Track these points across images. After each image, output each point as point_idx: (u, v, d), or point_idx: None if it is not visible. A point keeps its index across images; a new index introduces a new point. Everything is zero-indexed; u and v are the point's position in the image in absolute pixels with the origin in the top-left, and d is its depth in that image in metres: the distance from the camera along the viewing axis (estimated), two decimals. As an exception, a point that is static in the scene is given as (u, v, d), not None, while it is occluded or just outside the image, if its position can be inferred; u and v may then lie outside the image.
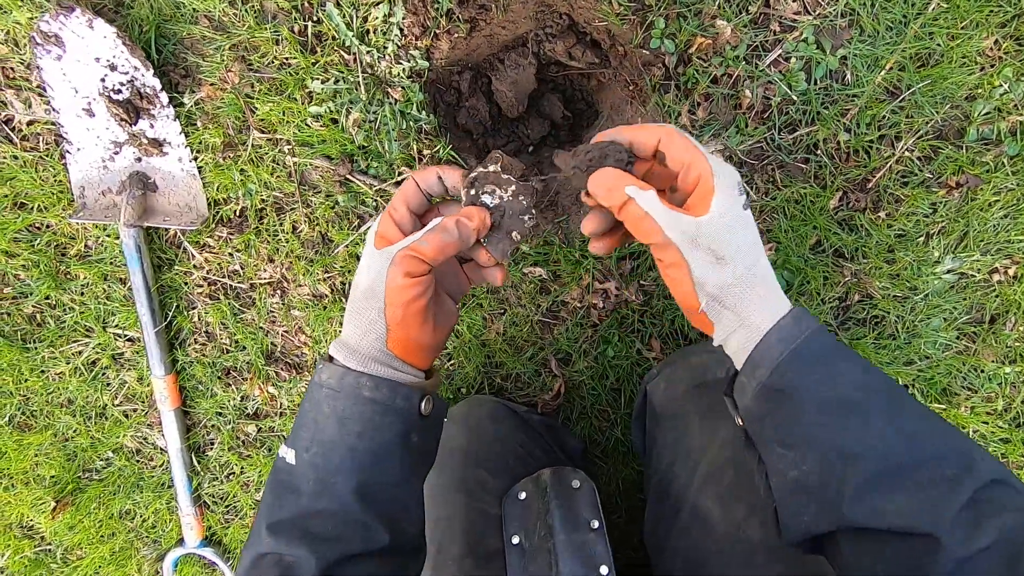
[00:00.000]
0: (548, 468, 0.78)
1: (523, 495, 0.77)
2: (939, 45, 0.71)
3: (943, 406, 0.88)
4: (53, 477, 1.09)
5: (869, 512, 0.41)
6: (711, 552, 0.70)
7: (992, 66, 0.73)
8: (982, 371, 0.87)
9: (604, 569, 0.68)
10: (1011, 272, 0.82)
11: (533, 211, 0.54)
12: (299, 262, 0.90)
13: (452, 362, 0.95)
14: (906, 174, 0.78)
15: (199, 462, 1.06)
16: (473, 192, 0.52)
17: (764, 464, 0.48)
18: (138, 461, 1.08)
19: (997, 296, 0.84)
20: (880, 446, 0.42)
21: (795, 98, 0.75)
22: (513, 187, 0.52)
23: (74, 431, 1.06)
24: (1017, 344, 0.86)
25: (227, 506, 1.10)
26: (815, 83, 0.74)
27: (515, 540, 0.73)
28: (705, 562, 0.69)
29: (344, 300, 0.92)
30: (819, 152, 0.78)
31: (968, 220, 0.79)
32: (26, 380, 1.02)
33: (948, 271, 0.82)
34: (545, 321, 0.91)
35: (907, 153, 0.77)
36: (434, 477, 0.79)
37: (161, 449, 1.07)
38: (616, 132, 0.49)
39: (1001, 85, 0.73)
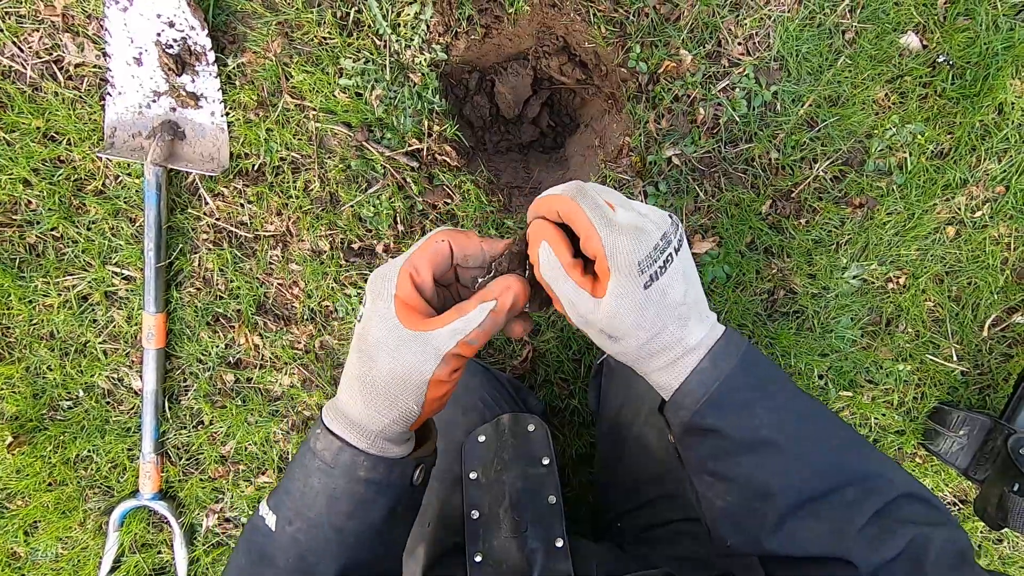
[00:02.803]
0: (507, 414, 0.88)
1: (482, 438, 0.86)
2: (845, 91, 0.94)
3: (850, 394, 1.05)
4: (16, 412, 1.10)
5: (786, 542, 0.45)
6: (649, 476, 0.81)
7: (884, 112, 0.95)
8: (881, 367, 1.05)
9: (552, 499, 0.76)
10: (901, 281, 1.02)
11: None
12: (305, 217, 1.02)
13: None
14: (821, 191, 0.99)
15: (170, 408, 1.11)
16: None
17: (694, 484, 0.51)
18: (107, 403, 1.12)
19: (892, 302, 1.03)
20: (794, 482, 0.45)
21: (737, 119, 0.95)
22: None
23: (48, 366, 1.09)
24: (908, 345, 1.05)
25: (189, 458, 1.14)
26: (753, 109, 0.95)
27: (472, 476, 0.81)
28: (647, 483, 0.81)
29: (342, 259, 1.03)
30: (755, 165, 0.98)
31: (868, 234, 1.00)
32: (11, 309, 1.06)
33: (854, 276, 1.02)
34: (520, 292, 1.04)
35: (822, 173, 0.97)
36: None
37: (134, 392, 1.12)
38: (537, 201, 0.46)
39: (890, 128, 0.95)
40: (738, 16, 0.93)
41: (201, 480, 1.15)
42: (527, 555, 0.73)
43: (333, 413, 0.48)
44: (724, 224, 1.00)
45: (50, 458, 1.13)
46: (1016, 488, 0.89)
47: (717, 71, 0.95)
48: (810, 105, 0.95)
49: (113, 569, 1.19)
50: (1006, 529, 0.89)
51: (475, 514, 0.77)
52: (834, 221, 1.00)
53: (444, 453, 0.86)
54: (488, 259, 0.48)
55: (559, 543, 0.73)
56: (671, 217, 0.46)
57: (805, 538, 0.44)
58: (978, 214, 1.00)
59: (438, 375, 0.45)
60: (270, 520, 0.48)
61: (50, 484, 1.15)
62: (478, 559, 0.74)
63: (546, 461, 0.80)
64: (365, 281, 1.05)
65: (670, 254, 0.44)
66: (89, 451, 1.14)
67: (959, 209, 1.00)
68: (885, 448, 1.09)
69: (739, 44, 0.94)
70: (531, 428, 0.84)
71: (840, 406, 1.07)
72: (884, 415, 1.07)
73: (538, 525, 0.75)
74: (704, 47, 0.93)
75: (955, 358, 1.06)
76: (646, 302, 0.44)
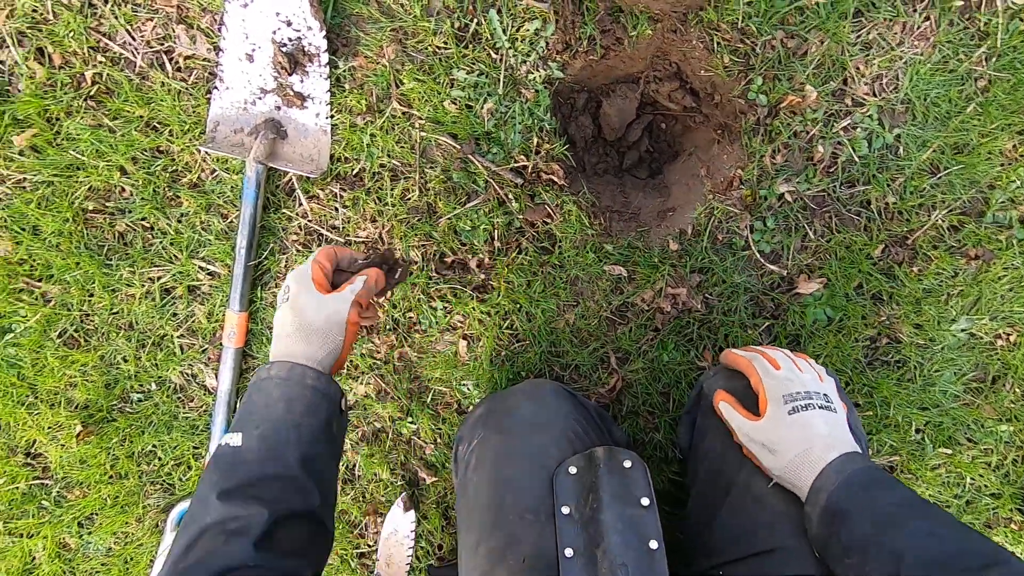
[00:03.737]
0: (601, 447, 0.84)
1: (574, 469, 0.83)
2: (972, 139, 0.91)
3: (948, 451, 1.01)
4: (86, 401, 1.09)
5: None
6: (762, 524, 0.78)
7: (1011, 164, 0.93)
8: (983, 425, 1.02)
9: (654, 544, 0.73)
10: (1012, 339, 0.99)
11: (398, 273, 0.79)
12: (400, 225, 1.01)
13: (519, 344, 1.04)
14: (936, 239, 0.96)
15: (241, 409, 1.09)
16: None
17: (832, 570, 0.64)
18: (179, 399, 1.11)
19: (999, 359, 1.00)
20: (920, 545, 0.55)
21: (856, 160, 0.93)
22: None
23: (123, 357, 1.08)
24: (1012, 405, 1.01)
25: (255, 460, 1.12)
26: (874, 151, 0.93)
27: (565, 510, 0.78)
28: (756, 532, 0.77)
29: (433, 271, 1.02)
30: (870, 208, 0.95)
31: (981, 288, 0.97)
32: (92, 296, 1.06)
33: (962, 330, 0.99)
34: (612, 319, 1.02)
35: (939, 221, 0.95)
36: (501, 443, 0.85)
37: (207, 389, 1.10)
38: (728, 353, 0.81)
39: (1015, 181, 0.92)
40: (868, 55, 0.91)
41: (264, 485, 1.13)
42: None
43: (281, 357, 0.67)
44: (832, 266, 0.97)
45: (115, 451, 1.12)
46: None
47: (840, 109, 0.93)
48: (934, 151, 0.93)
49: (164, 568, 1.16)
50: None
51: (569, 552, 0.74)
52: (947, 271, 0.97)
53: (535, 483, 0.83)
54: (358, 261, 0.77)
55: None
56: (825, 391, 0.71)
57: None
58: (1100, 275, 0.97)
59: (351, 316, 0.69)
60: (235, 440, 0.61)
61: (111, 477, 1.14)
62: None
63: (646, 502, 0.77)
64: (455, 295, 1.03)
65: (814, 404, 0.69)
66: (155, 446, 1.13)
67: (1081, 268, 0.97)
68: (979, 511, 1.05)
69: (865, 84, 0.92)
70: (628, 464, 0.81)
71: (936, 463, 1.03)
72: (981, 476, 1.03)
73: (638, 571, 0.72)
74: (829, 84, 0.92)
75: (1062, 422, 1.02)
76: (791, 424, 0.67)
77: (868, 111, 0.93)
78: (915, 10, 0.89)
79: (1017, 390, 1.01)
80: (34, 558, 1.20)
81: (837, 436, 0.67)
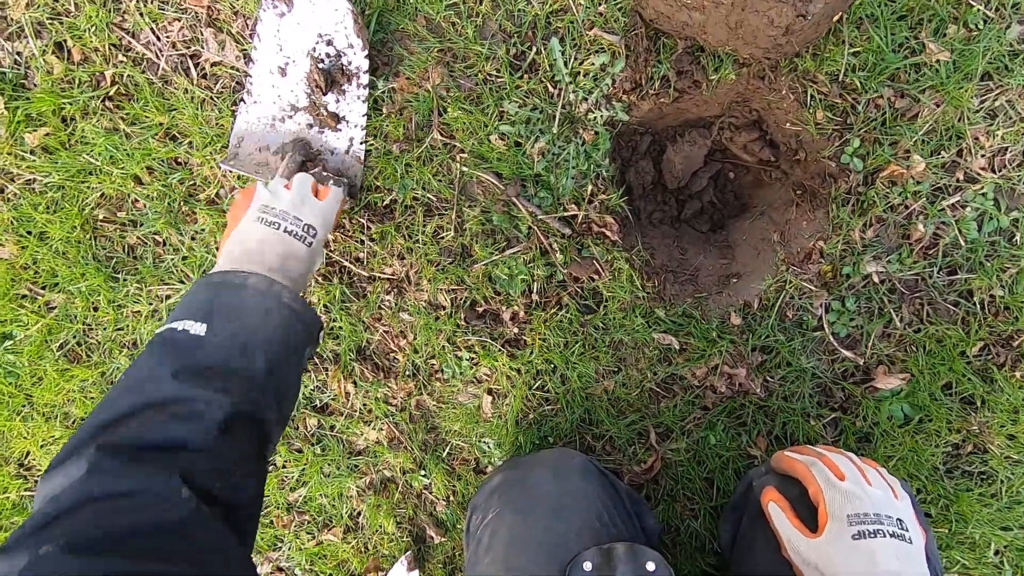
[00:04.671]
0: (622, 543, 0.75)
1: (589, 566, 0.74)
2: (1107, 232, 0.78)
3: (1030, 581, 0.89)
4: (83, 420, 1.03)
5: None
6: None
7: None
8: (1073, 555, 0.89)
9: None
10: (1123, 463, 0.85)
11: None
12: (429, 267, 0.91)
13: (549, 407, 0.94)
14: (1047, 342, 0.83)
15: (243, 443, 1.01)
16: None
17: None
18: (179, 425, 1.03)
19: (1103, 483, 0.87)
20: None
21: (962, 244, 0.80)
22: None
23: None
24: (1112, 536, 0.88)
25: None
26: (984, 236, 0.80)
27: None
28: None
29: (462, 319, 0.93)
30: (972, 299, 0.83)
31: (1093, 402, 0.83)
32: (96, 310, 0.99)
33: (1063, 446, 0.85)
34: (656, 391, 0.92)
35: (1053, 322, 0.82)
36: (516, 524, 0.77)
37: (209, 419, 1.03)
38: (781, 456, 0.71)
39: None
40: (991, 125, 0.78)
41: (263, 525, 1.06)
42: None
43: (249, 268, 0.66)
44: (919, 360, 0.85)
45: (109, 471, 1.06)
46: None
47: (949, 184, 0.80)
48: (1057, 242, 0.80)
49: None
50: None
51: None
52: (1055, 379, 0.84)
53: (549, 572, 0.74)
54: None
55: None
56: (899, 515, 0.60)
57: None
58: None
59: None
60: (197, 328, 0.57)
61: (104, 498, 1.08)
62: None
63: None
64: (483, 346, 0.94)
65: (884, 531, 0.58)
66: (150, 472, 1.06)
67: None
68: (1058, 649, 0.92)
69: (984, 157, 0.79)
70: (651, 567, 0.73)
71: (1014, 591, 0.91)
72: (1064, 611, 0.91)
73: None
74: (941, 155, 0.79)
75: None
76: (854, 551, 0.57)
77: (983, 189, 0.80)
78: (1056, 76, 0.76)
79: (1121, 521, 0.88)
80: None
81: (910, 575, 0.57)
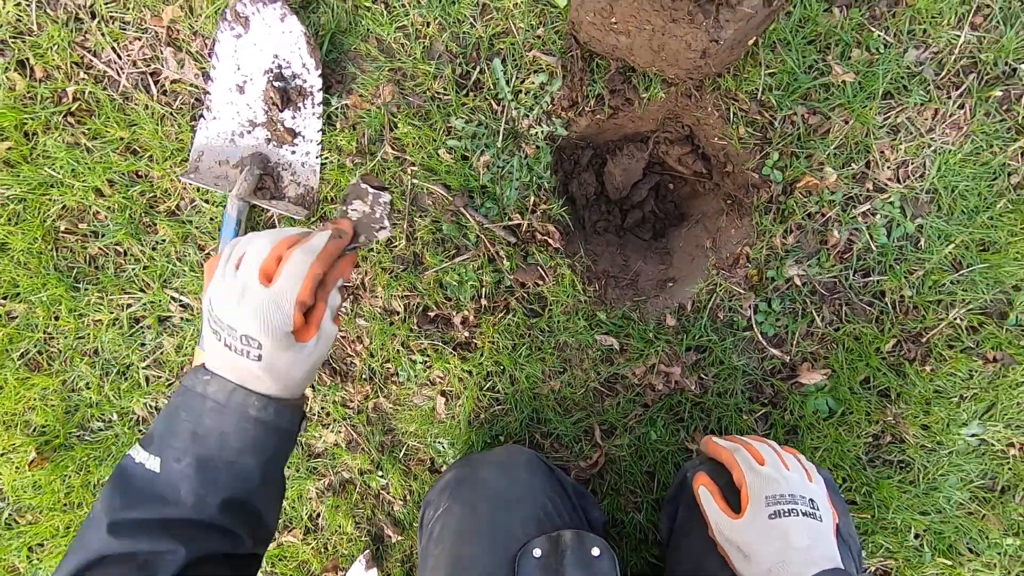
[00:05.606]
0: (569, 530, 0.80)
1: (538, 552, 0.78)
2: (1000, 237, 0.86)
3: (948, 562, 0.96)
4: (44, 427, 1.05)
5: None
6: None
7: (1040, 266, 0.87)
8: (987, 536, 0.96)
9: None
10: (1026, 449, 0.93)
11: (386, 223, 0.62)
12: (383, 274, 0.96)
13: (499, 407, 0.99)
14: (953, 339, 0.91)
15: (204, 448, 1.05)
16: (343, 208, 0.63)
17: None
18: (140, 431, 1.06)
19: (1010, 469, 0.94)
20: None
21: (873, 248, 0.88)
22: (370, 199, 0.62)
23: (87, 383, 1.04)
24: (1020, 519, 0.95)
25: (215, 502, 1.07)
26: (893, 241, 0.88)
27: None
28: None
29: (415, 324, 0.97)
30: (884, 299, 0.90)
31: (998, 393, 0.91)
32: (58, 319, 1.02)
33: (972, 435, 0.93)
34: (600, 390, 0.97)
35: (958, 320, 0.89)
36: (465, 516, 0.81)
37: (170, 424, 1.06)
38: (708, 442, 0.75)
39: (1044, 284, 0.87)
40: (895, 140, 0.86)
41: (222, 528, 1.09)
42: None
43: (216, 369, 0.54)
44: (839, 357, 0.92)
45: (70, 479, 1.08)
46: None
47: (860, 194, 0.88)
48: (957, 246, 0.87)
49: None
50: None
51: None
52: (962, 373, 0.92)
53: (495, 564, 0.78)
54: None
55: None
56: (812, 495, 0.65)
57: None
58: None
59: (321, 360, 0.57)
60: (152, 463, 0.52)
61: (65, 505, 1.10)
62: None
63: None
64: (435, 350, 0.98)
65: (798, 510, 0.63)
66: (112, 478, 1.08)
67: (1105, 382, 0.91)
68: (976, 627, 0.99)
69: (890, 169, 0.86)
70: (596, 553, 0.77)
71: (933, 572, 0.98)
72: (981, 590, 0.98)
73: None
74: (851, 167, 0.86)
75: (1073, 542, 0.96)
76: (770, 529, 0.62)
77: (890, 198, 0.87)
78: (949, 97, 0.84)
79: (1027, 503, 0.96)
80: (-19, 580, 1.16)
81: (819, 551, 0.61)
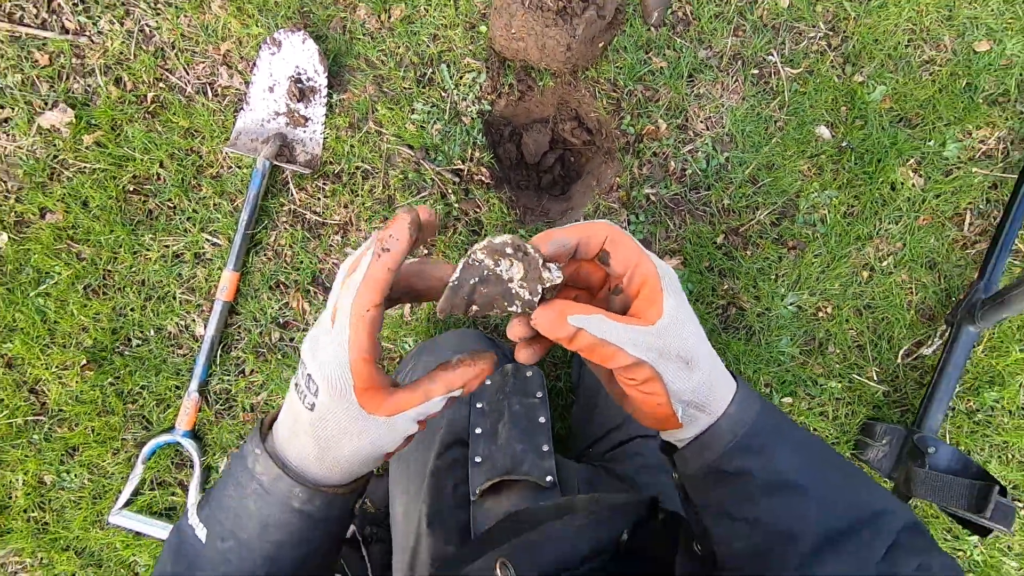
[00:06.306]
0: (510, 363, 1.11)
1: (488, 381, 1.09)
2: (778, 161, 1.31)
3: (790, 400, 1.28)
4: (94, 344, 1.35)
5: None
6: (614, 423, 1.03)
7: (807, 179, 1.32)
8: (816, 382, 1.30)
9: (542, 419, 0.99)
10: (828, 311, 1.31)
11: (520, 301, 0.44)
12: (366, 211, 1.35)
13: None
14: (762, 231, 1.32)
15: (221, 357, 1.35)
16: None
17: (702, 522, 0.52)
18: (169, 346, 1.36)
19: (824, 327, 1.31)
20: (814, 523, 0.47)
21: (699, 173, 1.31)
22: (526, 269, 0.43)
23: (132, 308, 1.36)
24: (837, 365, 1.30)
25: (225, 403, 1.35)
26: (711, 167, 1.32)
27: (478, 406, 1.04)
28: (608, 431, 1.03)
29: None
30: (711, 207, 1.32)
31: (800, 270, 1.31)
32: (117, 257, 1.36)
33: (790, 303, 1.31)
34: (524, 287, 1.34)
35: (762, 219, 1.31)
36: (430, 358, 1.11)
37: (195, 338, 1.37)
38: (563, 232, 0.45)
39: (814, 192, 1.31)
40: (700, 103, 1.33)
41: (230, 424, 1.35)
42: (519, 455, 0.91)
43: (277, 445, 0.48)
44: (688, 250, 1.31)
45: (107, 389, 1.35)
46: (919, 463, 1.09)
47: (685, 138, 1.33)
48: (752, 168, 1.32)
49: (128, 503, 1.34)
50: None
51: (478, 430, 0.98)
52: (773, 256, 1.31)
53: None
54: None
55: (545, 448, 0.93)
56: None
57: None
58: (885, 263, 1.31)
59: (398, 448, 0.47)
60: (200, 532, 0.49)
61: (100, 412, 1.35)
62: (477, 460, 0.93)
63: (539, 395, 1.02)
64: (403, 265, 1.34)
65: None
66: (143, 387, 1.36)
67: (869, 257, 1.31)
68: (822, 455, 1.28)
69: (701, 122, 1.33)
70: (529, 374, 1.07)
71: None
72: (821, 427, 1.29)
73: (529, 436, 0.96)
74: (676, 120, 1.33)
75: (876, 380, 1.30)
76: (697, 322, 0.46)
77: (704, 140, 1.33)
78: (728, 75, 1.33)
79: (839, 352, 1.31)
80: (11, 495, 1.36)
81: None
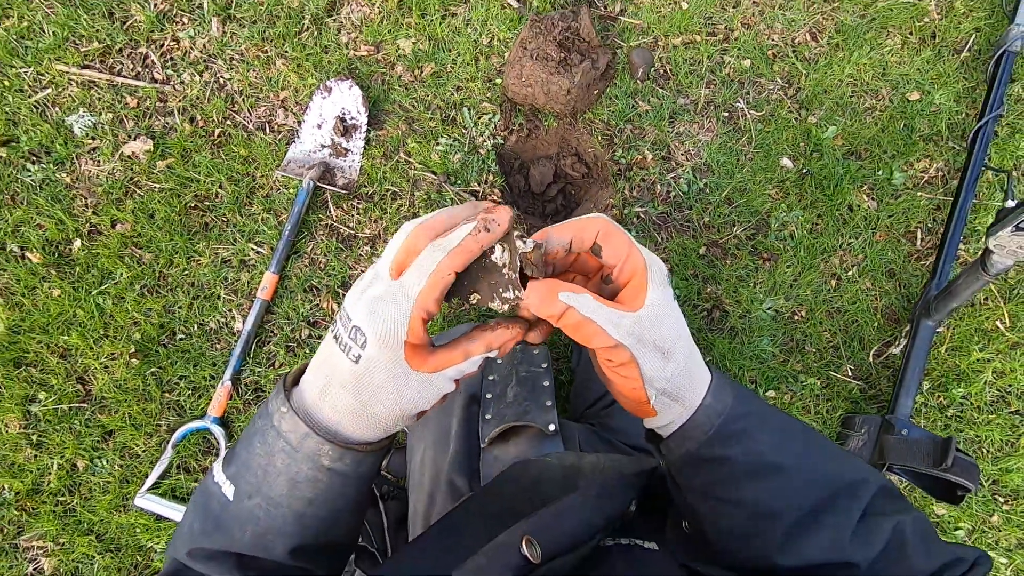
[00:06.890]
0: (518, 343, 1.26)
1: (501, 359, 1.24)
2: (750, 186, 1.53)
3: (773, 393, 1.40)
4: (142, 336, 1.50)
5: (794, 556, 0.49)
6: (604, 391, 1.16)
7: (776, 201, 1.53)
8: (797, 379, 1.42)
9: (546, 383, 1.13)
10: (803, 314, 1.46)
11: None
12: (394, 226, 1.56)
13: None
14: (739, 244, 1.51)
15: (255, 351, 1.50)
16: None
17: (689, 502, 0.54)
18: (208, 340, 1.52)
19: (799, 329, 1.46)
20: (795, 501, 0.49)
21: (682, 195, 1.53)
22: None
23: (180, 305, 1.53)
24: (815, 364, 1.43)
25: (255, 393, 1.48)
26: (692, 191, 1.54)
27: (490, 377, 1.18)
28: (599, 400, 1.16)
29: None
30: (693, 223, 1.52)
31: (775, 278, 1.48)
32: (172, 262, 1.56)
33: (768, 307, 1.46)
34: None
35: (739, 233, 1.51)
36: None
37: (233, 333, 1.52)
38: (558, 229, 0.50)
39: (782, 211, 1.51)
40: (681, 139, 1.58)
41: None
42: (524, 407, 1.04)
43: (306, 403, 0.48)
44: (674, 259, 1.50)
45: (148, 378, 1.48)
46: (890, 433, 1.19)
47: (668, 167, 1.56)
48: (727, 191, 1.53)
49: (154, 486, 1.42)
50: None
51: (489, 395, 1.12)
52: (751, 266, 1.49)
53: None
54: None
55: (548, 403, 1.06)
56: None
57: (810, 550, 0.48)
58: (850, 272, 1.48)
59: (432, 406, 0.48)
60: (227, 490, 0.49)
61: (139, 400, 1.47)
62: (488, 417, 1.06)
63: (544, 365, 1.16)
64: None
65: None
66: (181, 376, 1.49)
67: (836, 267, 1.49)
68: (807, 445, 1.37)
69: (682, 154, 1.57)
70: (536, 350, 1.22)
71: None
72: (804, 417, 1.39)
73: (533, 395, 1.09)
74: (660, 152, 1.57)
75: (851, 376, 1.42)
76: (678, 312, 0.48)
77: (685, 168, 1.56)
78: (704, 117, 1.59)
79: (816, 351, 1.44)
80: (45, 478, 1.45)
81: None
